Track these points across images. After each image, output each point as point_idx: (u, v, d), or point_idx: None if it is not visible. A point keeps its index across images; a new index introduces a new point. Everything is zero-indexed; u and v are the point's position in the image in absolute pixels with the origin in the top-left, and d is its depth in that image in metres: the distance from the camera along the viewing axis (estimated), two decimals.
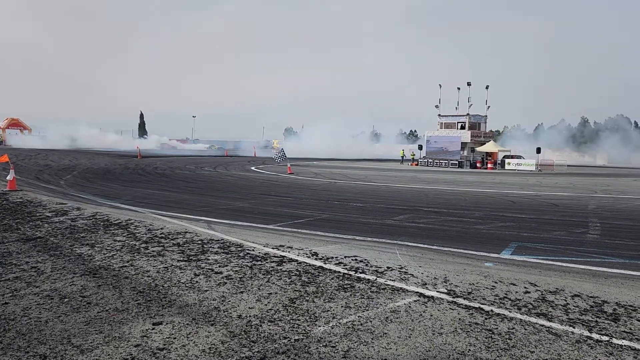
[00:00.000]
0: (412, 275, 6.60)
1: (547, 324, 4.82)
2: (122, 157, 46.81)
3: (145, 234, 9.15)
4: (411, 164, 52.68)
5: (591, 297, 5.80)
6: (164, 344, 4.11)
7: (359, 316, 4.91)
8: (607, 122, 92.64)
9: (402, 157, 57.08)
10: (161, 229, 9.73)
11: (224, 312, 4.95)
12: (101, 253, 7.48)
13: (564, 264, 7.51)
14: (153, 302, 5.19)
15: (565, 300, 5.62)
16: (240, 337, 4.31)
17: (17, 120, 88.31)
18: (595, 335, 4.53)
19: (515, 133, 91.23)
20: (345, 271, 6.70)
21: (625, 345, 4.31)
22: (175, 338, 4.25)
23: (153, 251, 7.68)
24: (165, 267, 6.68)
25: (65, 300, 5.23)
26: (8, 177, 17.27)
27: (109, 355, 3.87)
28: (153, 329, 4.46)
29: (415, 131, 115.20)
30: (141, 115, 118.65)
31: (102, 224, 10.12)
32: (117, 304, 5.14)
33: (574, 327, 4.73)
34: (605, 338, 4.47)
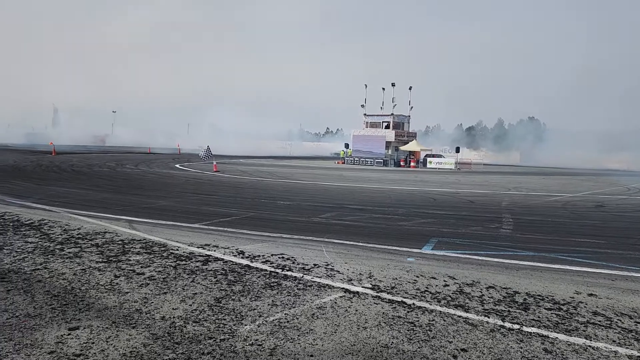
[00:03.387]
0: (338, 271, 6.71)
1: (465, 314, 5.09)
2: (34, 153, 43.86)
3: (61, 234, 8.64)
4: (337, 162, 53.38)
5: (504, 288, 6.18)
6: (81, 350, 3.91)
7: (285, 314, 4.93)
8: (520, 123, 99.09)
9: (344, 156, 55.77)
10: (78, 229, 9.23)
11: (147, 314, 4.79)
12: (10, 255, 6.97)
13: (480, 258, 7.95)
14: (69, 306, 4.92)
15: (481, 292, 5.95)
16: (163, 339, 4.19)
17: None
18: (507, 324, 4.83)
19: (436, 132, 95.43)
20: (272, 269, 6.69)
21: (533, 333, 4.63)
22: (93, 343, 4.05)
23: (69, 253, 7.27)
24: (82, 269, 6.35)
25: None
26: None
27: None
28: (69, 334, 4.23)
29: (341, 129, 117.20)
30: (55, 110, 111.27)
31: (11, 224, 9.44)
32: (28, 309, 4.82)
33: (488, 317, 5.02)
34: (516, 326, 4.78)
